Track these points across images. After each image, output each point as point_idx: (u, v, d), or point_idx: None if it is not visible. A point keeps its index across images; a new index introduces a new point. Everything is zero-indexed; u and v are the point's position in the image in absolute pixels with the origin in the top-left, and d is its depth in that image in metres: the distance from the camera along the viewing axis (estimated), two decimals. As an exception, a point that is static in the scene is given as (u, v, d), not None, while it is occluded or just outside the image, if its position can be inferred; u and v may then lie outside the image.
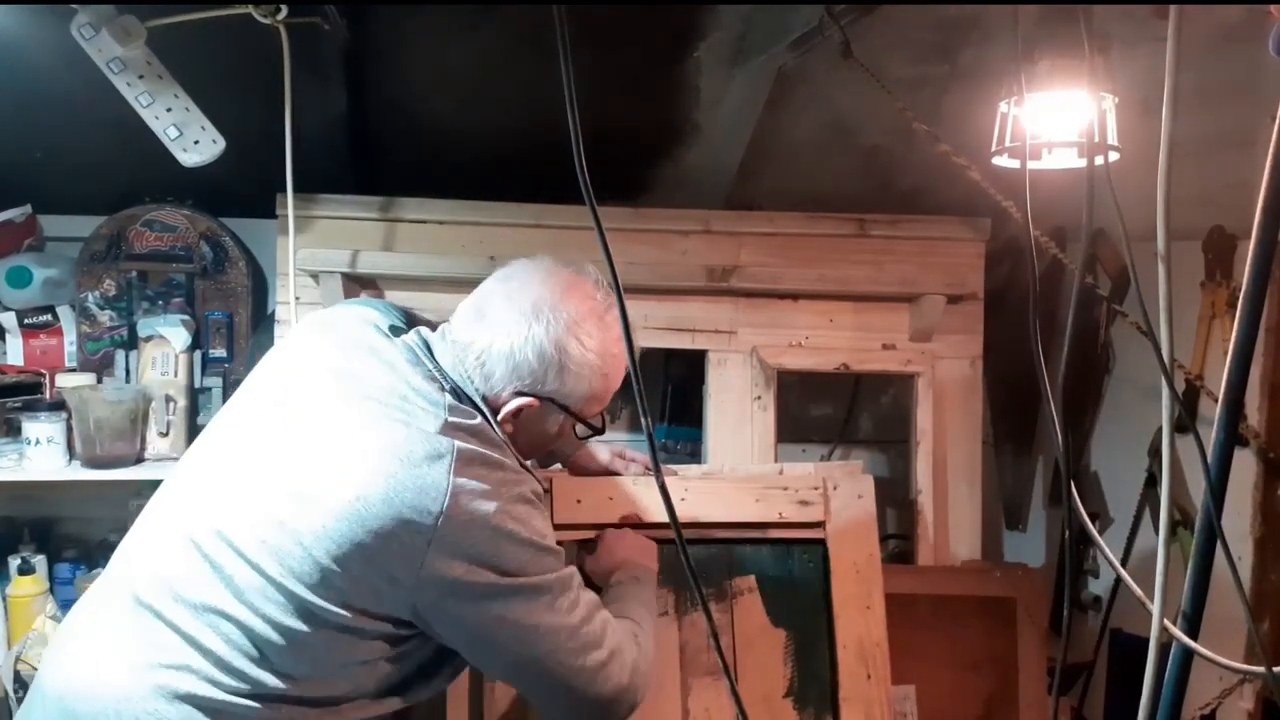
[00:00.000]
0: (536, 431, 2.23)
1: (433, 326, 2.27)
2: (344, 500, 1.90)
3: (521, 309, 2.13)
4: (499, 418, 2.13)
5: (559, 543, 2.13)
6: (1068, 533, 2.67)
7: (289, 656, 1.93)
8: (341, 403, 2.05)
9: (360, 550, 1.89)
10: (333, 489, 1.93)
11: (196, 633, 1.92)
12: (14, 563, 3.23)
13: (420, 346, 2.16)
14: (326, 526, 1.90)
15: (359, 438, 1.98)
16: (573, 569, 2.13)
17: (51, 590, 3.26)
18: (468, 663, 2.16)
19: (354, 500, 1.90)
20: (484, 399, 2.12)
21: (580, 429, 2.30)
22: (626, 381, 3.65)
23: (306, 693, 1.96)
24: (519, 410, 2.14)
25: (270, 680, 1.92)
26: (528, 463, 2.22)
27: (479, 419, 2.07)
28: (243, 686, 1.91)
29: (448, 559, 1.91)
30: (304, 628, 1.91)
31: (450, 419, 2.01)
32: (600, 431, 2.36)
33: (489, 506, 1.94)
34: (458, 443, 1.97)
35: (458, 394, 2.10)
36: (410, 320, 2.33)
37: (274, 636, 1.91)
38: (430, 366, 2.12)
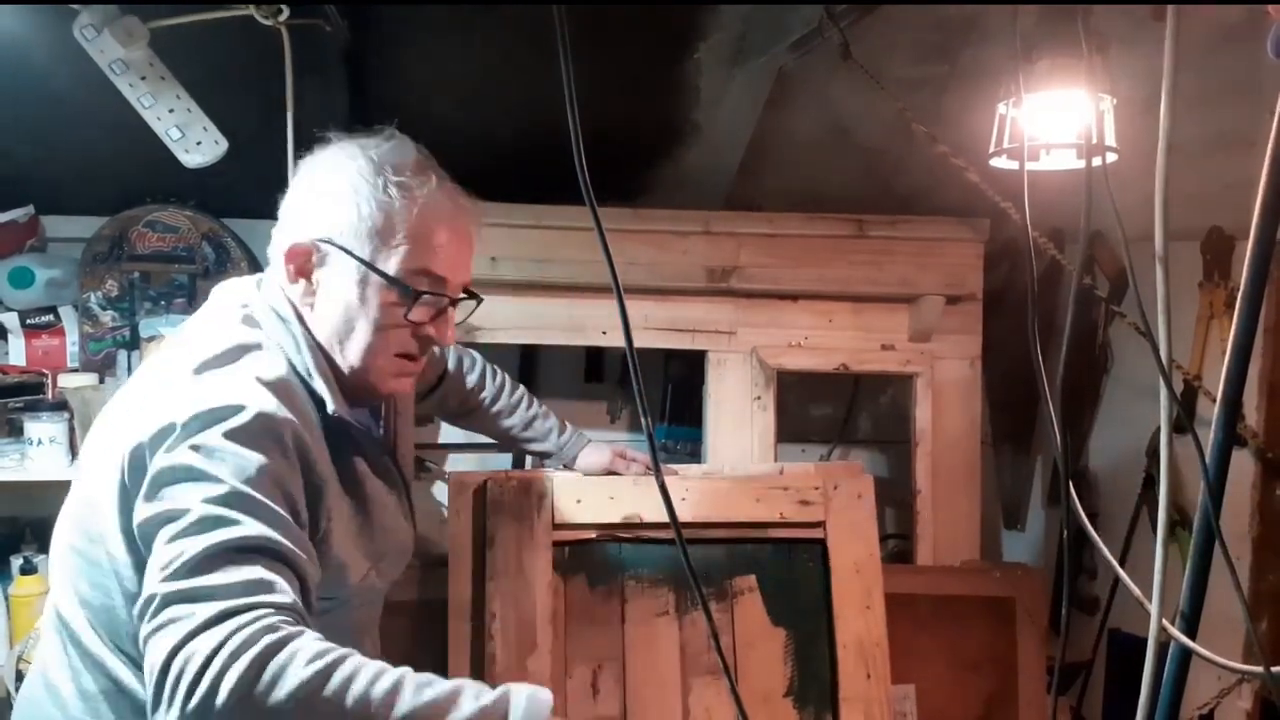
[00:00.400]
0: (340, 303, 1.91)
1: None
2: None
3: (294, 178, 2.00)
4: (289, 279, 1.92)
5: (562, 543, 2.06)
6: (1066, 532, 2.68)
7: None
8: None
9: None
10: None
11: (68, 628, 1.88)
12: (16, 562, 3.24)
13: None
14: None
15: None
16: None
17: (53, 590, 3.27)
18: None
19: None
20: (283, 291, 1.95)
21: (388, 292, 1.91)
22: (625, 381, 3.70)
23: None
24: (299, 266, 1.91)
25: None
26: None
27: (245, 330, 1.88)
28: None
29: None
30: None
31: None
32: (411, 293, 1.92)
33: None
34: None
35: (262, 310, 1.92)
36: None
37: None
38: (241, 296, 1.97)
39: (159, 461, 1.66)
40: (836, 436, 3.96)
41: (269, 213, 3.09)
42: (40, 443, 3.09)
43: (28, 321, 3.42)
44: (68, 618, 1.86)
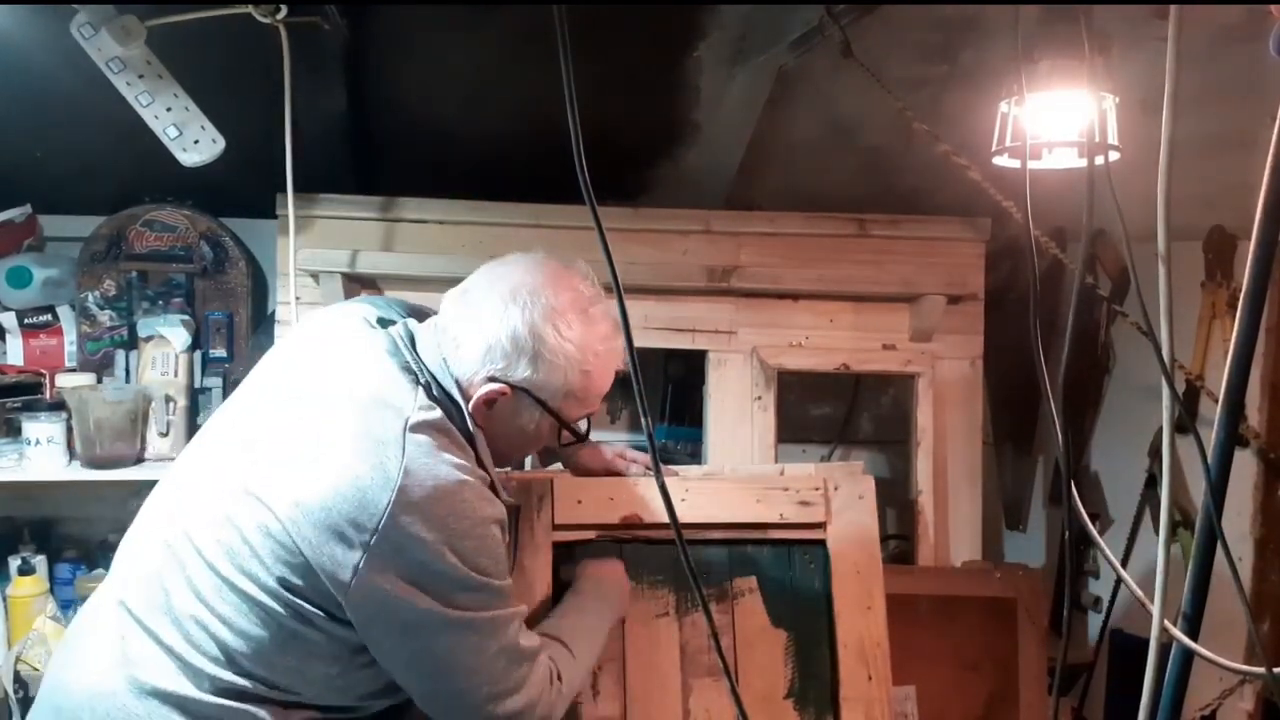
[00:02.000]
0: (512, 427, 2.15)
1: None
2: (289, 499, 1.89)
3: (501, 292, 2.08)
4: (470, 406, 2.07)
5: (562, 543, 2.10)
6: (1068, 533, 2.67)
7: (247, 658, 1.92)
8: (302, 402, 2.04)
9: (301, 550, 1.87)
10: (281, 488, 1.91)
11: (163, 633, 1.93)
12: (14, 563, 3.23)
13: (404, 338, 2.12)
14: (271, 525, 1.89)
15: (313, 437, 1.96)
16: (514, 611, 2.07)
17: (51, 590, 3.26)
18: None
19: (297, 501, 1.88)
20: (458, 384, 2.07)
21: (554, 424, 2.18)
22: (625, 381, 3.69)
23: (273, 694, 1.96)
24: (491, 399, 2.07)
25: (232, 679, 1.92)
26: (497, 469, 2.18)
27: (442, 413, 2.01)
28: (207, 684, 1.91)
29: (380, 572, 1.87)
30: (258, 631, 1.91)
31: (416, 419, 1.95)
32: (582, 439, 2.27)
33: (431, 530, 1.89)
34: (413, 452, 1.91)
35: (433, 386, 2.05)
36: (415, 314, 2.29)
37: (229, 637, 1.91)
38: (409, 357, 2.07)
39: (421, 552, 1.90)
40: (837, 437, 3.96)
41: (267, 211, 3.10)
42: (38, 443, 3.08)
43: (25, 321, 3.41)
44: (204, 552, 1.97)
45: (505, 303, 2.06)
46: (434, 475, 1.91)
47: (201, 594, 1.92)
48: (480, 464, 2.07)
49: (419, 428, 1.94)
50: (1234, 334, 1.56)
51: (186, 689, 1.90)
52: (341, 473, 1.88)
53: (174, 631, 1.92)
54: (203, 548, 1.94)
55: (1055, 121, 2.10)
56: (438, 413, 2.00)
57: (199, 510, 1.99)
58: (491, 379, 2.06)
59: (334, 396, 2.01)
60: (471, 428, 2.07)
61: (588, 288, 2.15)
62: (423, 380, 2.05)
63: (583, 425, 2.25)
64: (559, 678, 2.15)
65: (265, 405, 2.11)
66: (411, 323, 2.20)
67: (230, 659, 1.91)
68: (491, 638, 1.99)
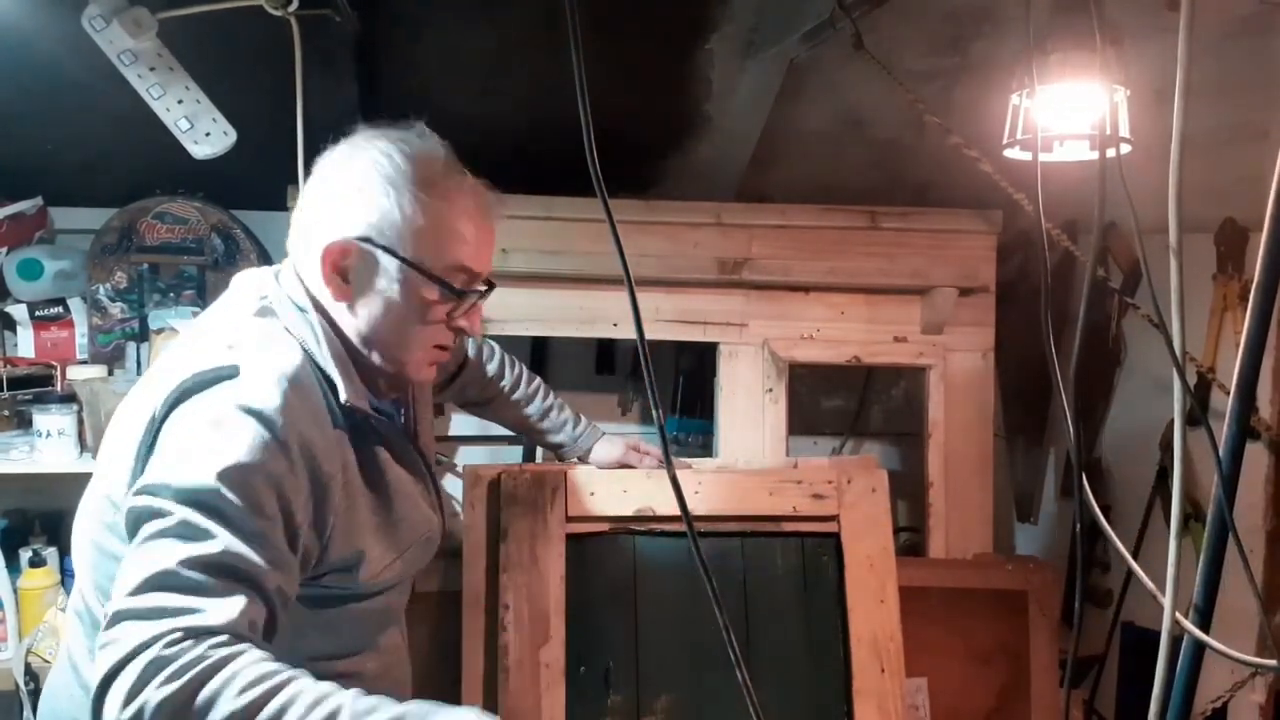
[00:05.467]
0: (376, 298, 1.89)
1: None
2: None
3: (315, 177, 1.95)
4: (324, 279, 1.87)
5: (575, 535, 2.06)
6: (1079, 525, 2.67)
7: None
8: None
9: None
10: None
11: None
12: (25, 555, 3.23)
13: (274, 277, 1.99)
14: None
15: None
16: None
17: (63, 583, 3.26)
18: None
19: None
20: (306, 289, 1.92)
21: (430, 289, 1.90)
22: (637, 373, 3.69)
23: None
24: (337, 266, 1.87)
25: None
26: (417, 377, 2.02)
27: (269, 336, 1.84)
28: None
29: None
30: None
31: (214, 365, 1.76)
32: (457, 293, 1.93)
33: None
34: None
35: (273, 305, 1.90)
36: None
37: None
38: (265, 286, 1.95)
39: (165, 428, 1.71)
40: (849, 429, 3.96)
41: (279, 204, 3.11)
42: (49, 435, 3.08)
43: (36, 313, 3.42)
44: (90, 605, 1.86)
45: (321, 179, 1.93)
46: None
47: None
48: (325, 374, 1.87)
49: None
50: (1245, 326, 1.56)
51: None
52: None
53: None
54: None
55: (1067, 114, 2.10)
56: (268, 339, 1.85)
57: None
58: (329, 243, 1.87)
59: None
60: (319, 330, 1.89)
61: (414, 132, 1.96)
62: (265, 300, 1.92)
63: (458, 279, 1.94)
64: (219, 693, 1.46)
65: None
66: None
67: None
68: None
